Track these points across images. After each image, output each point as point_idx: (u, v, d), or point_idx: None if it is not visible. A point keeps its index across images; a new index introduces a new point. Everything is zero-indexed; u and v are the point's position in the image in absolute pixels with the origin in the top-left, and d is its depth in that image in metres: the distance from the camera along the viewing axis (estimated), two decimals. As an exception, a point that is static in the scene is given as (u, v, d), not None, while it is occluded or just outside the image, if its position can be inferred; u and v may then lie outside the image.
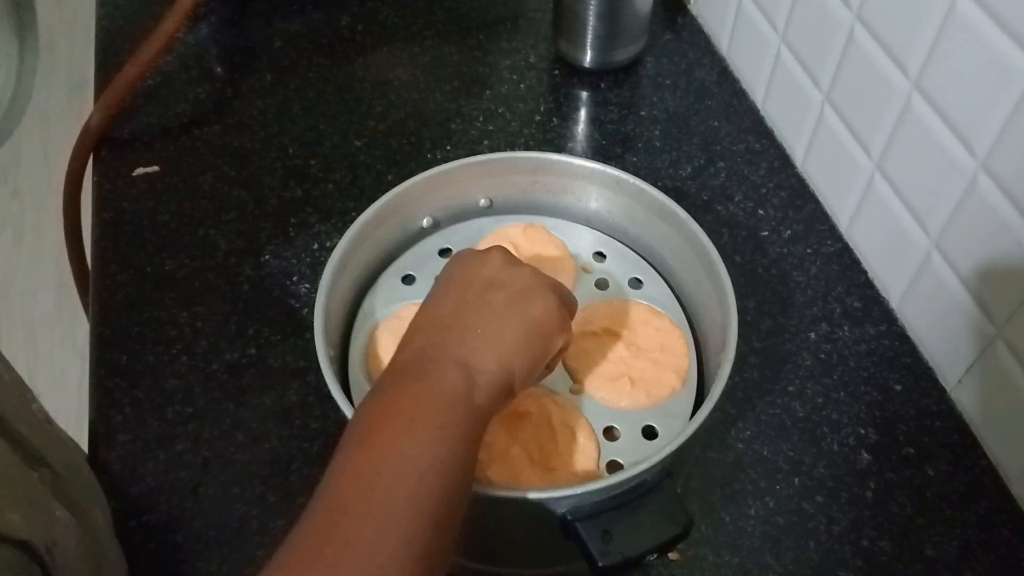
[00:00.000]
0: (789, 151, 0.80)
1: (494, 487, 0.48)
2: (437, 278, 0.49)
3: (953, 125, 0.59)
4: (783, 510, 0.59)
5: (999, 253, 0.57)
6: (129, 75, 0.75)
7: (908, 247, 0.65)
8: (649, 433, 0.53)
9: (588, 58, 0.85)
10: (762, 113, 0.83)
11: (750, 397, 0.64)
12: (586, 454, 0.51)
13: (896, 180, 0.66)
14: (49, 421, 0.57)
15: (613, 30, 0.83)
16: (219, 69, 0.88)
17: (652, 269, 0.61)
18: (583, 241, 0.63)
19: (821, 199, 0.76)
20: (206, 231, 0.74)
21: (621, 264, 0.62)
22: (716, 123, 0.83)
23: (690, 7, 0.93)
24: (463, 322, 0.45)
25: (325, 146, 0.80)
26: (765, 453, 0.62)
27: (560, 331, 0.47)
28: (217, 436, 0.62)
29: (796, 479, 0.60)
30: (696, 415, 0.48)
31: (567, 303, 0.49)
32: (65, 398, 1.52)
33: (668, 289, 0.60)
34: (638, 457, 0.49)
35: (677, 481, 0.57)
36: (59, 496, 0.51)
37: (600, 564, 0.44)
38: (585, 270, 0.61)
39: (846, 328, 0.68)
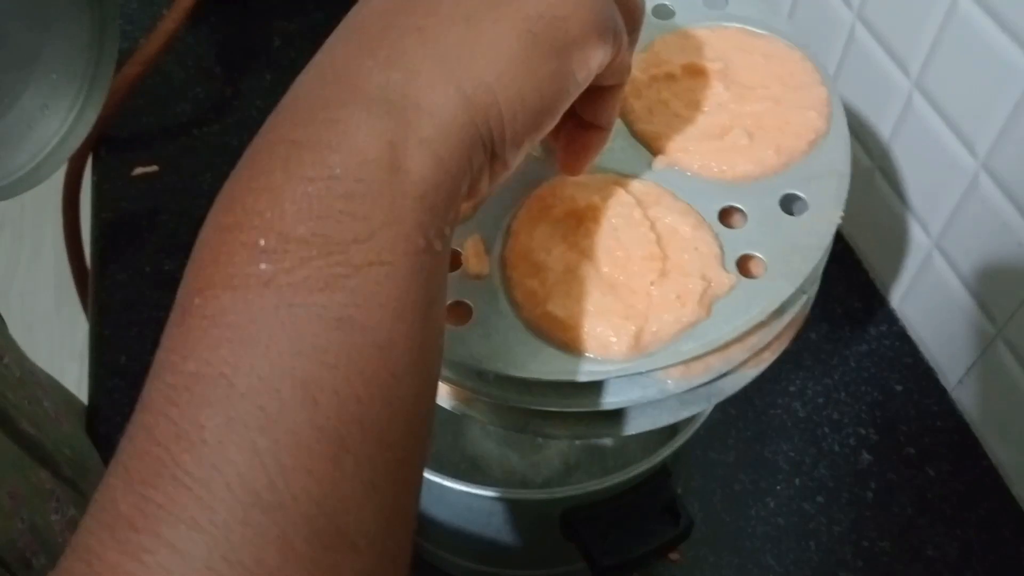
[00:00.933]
0: (789, 151, 0.80)
1: (492, 486, 0.48)
2: None
3: (954, 125, 0.58)
4: (783, 510, 0.59)
5: (1000, 253, 0.57)
6: (129, 75, 0.74)
7: (909, 247, 0.65)
8: (791, 205, 0.35)
9: (588, 58, 0.84)
10: (762, 113, 0.83)
11: (750, 397, 0.64)
12: (702, 252, 0.32)
13: (897, 180, 0.66)
14: (60, 418, 0.57)
15: (613, 29, 0.82)
16: (219, 69, 0.88)
17: None
18: None
19: (821, 199, 0.76)
20: (206, 231, 0.73)
21: None
22: (716, 123, 0.83)
23: (690, 7, 0.93)
24: (399, 23, 0.24)
25: (325, 146, 0.80)
26: (765, 453, 0.61)
27: (591, 39, 0.25)
28: (217, 436, 0.61)
29: (796, 479, 0.60)
30: (696, 415, 0.48)
31: (611, 2, 0.26)
32: (65, 398, 1.52)
33: (767, 6, 0.41)
34: (783, 245, 0.33)
35: (677, 481, 0.57)
36: (62, 498, 0.51)
37: (600, 564, 0.44)
38: None
39: (847, 328, 0.68)
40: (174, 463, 0.19)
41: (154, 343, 0.71)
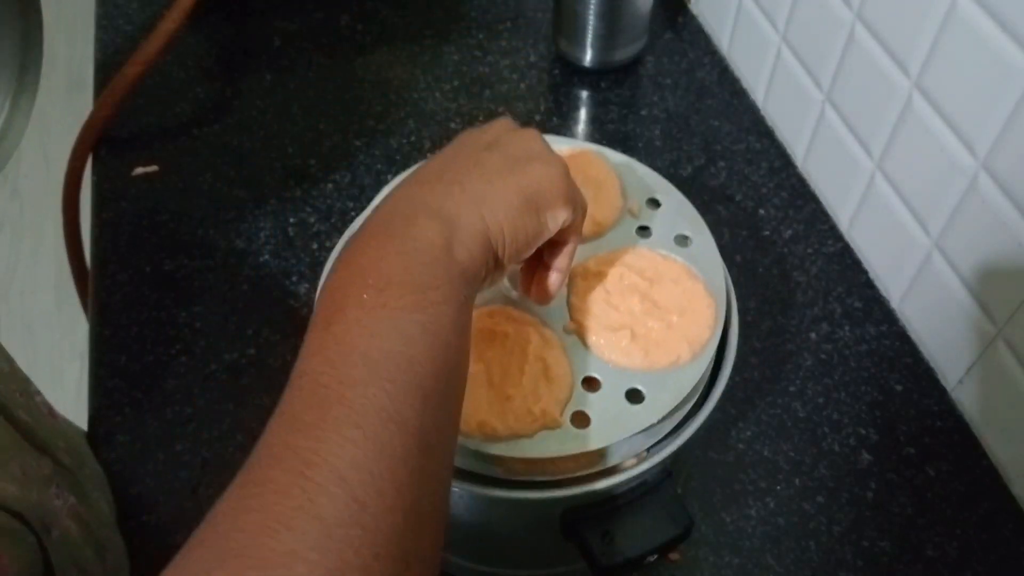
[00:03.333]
0: (790, 151, 0.80)
1: (492, 486, 0.48)
2: None
3: (954, 125, 0.58)
4: (784, 510, 0.59)
5: (999, 253, 0.57)
6: (129, 75, 0.74)
7: (909, 247, 0.65)
8: (634, 397, 0.47)
9: (588, 57, 0.85)
10: (763, 113, 0.83)
11: (750, 397, 0.64)
12: (552, 395, 0.46)
13: (897, 180, 0.66)
14: (52, 413, 0.57)
15: (613, 29, 0.82)
16: (219, 69, 0.88)
17: (707, 230, 0.54)
18: (640, 183, 0.57)
19: (822, 199, 0.76)
20: (206, 231, 0.73)
21: (674, 217, 0.55)
22: (716, 123, 0.83)
23: (691, 6, 0.93)
24: (447, 178, 0.40)
25: (324, 146, 0.80)
26: (765, 453, 0.62)
27: (561, 205, 0.41)
28: (216, 437, 0.61)
29: (796, 479, 0.60)
30: (697, 415, 0.48)
31: (575, 189, 0.43)
32: (65, 398, 1.51)
33: (718, 254, 0.53)
34: (609, 418, 0.46)
35: (677, 481, 0.57)
36: (63, 484, 0.51)
37: (600, 564, 0.44)
38: (632, 212, 0.55)
39: (847, 328, 0.68)
40: (338, 395, 0.32)
41: (154, 343, 0.71)
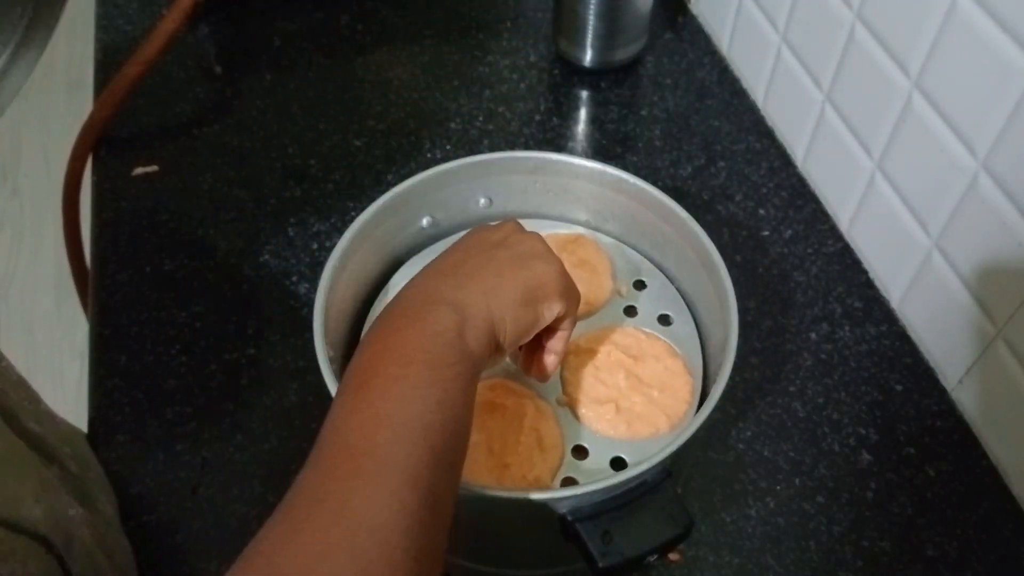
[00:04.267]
0: (790, 151, 0.80)
1: (496, 487, 0.48)
2: None
3: (954, 125, 0.58)
4: (784, 510, 0.59)
5: (999, 253, 0.57)
6: (129, 75, 0.75)
7: (909, 247, 0.65)
8: (618, 464, 0.52)
9: (588, 57, 0.85)
10: (763, 112, 0.83)
11: (751, 397, 0.64)
12: (545, 463, 0.51)
13: (897, 180, 0.66)
14: (56, 419, 0.57)
15: (613, 29, 0.82)
16: (219, 69, 0.88)
17: (687, 310, 0.59)
18: (628, 265, 0.62)
19: (822, 199, 0.76)
20: (206, 231, 0.73)
21: (658, 297, 0.60)
22: (716, 123, 0.83)
23: (691, 6, 0.93)
24: (462, 272, 0.46)
25: (324, 146, 0.80)
26: (766, 453, 0.62)
27: (557, 299, 0.47)
28: (216, 436, 0.61)
29: (796, 479, 0.60)
30: (697, 415, 0.48)
31: (570, 284, 0.49)
32: (65, 398, 1.51)
33: (696, 334, 0.58)
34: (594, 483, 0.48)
35: (677, 481, 0.57)
36: (72, 491, 0.51)
37: (600, 565, 0.44)
38: (620, 294, 0.60)
39: (847, 328, 0.68)
40: (367, 451, 0.37)
41: (154, 343, 0.71)
